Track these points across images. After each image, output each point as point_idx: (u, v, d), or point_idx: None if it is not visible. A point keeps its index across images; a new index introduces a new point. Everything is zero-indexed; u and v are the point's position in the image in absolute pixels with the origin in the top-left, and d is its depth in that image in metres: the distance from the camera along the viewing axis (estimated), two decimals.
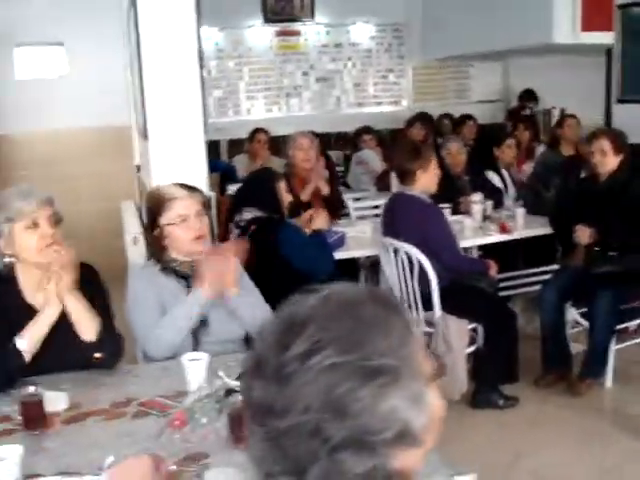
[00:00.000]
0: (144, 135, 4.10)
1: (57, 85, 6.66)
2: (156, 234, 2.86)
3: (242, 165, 6.98)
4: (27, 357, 2.47)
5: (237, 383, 2.35)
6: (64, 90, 6.62)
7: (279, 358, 0.97)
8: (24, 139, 6.58)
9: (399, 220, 4.33)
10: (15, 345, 2.46)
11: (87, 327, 2.56)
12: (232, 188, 5.55)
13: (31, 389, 2.21)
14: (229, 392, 2.29)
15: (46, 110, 6.55)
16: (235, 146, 7.93)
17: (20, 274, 2.63)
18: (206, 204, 2.99)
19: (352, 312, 0.99)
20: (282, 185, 3.99)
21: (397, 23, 8.97)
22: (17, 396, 2.36)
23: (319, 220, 4.23)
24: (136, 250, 4.40)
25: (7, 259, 2.59)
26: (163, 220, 2.84)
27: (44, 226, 2.56)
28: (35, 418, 2.19)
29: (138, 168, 5.69)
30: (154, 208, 2.89)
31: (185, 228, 2.82)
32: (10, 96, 6.47)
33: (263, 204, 3.91)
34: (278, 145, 7.26)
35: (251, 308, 2.83)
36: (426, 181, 4.31)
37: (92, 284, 2.70)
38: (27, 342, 2.47)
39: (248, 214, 3.88)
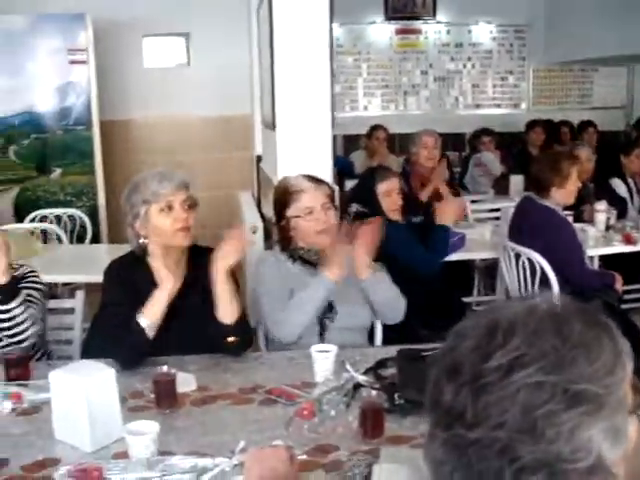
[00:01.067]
0: (271, 126, 4.13)
1: (182, 74, 6.82)
2: (283, 225, 2.89)
3: (359, 161, 6.98)
4: (149, 334, 2.53)
5: (365, 378, 2.35)
6: (189, 79, 6.77)
7: (478, 366, 0.92)
8: (148, 125, 6.76)
9: (525, 225, 4.24)
10: (138, 322, 2.52)
11: (229, 311, 2.59)
12: (350, 183, 5.54)
13: (164, 368, 2.25)
14: (357, 386, 2.28)
15: (170, 98, 6.71)
16: (350, 142, 7.93)
17: (152, 257, 2.68)
18: (332, 197, 2.99)
19: (559, 328, 0.94)
20: (386, 185, 3.95)
21: (519, 24, 8.79)
22: (146, 373, 2.43)
23: (447, 215, 4.14)
24: (255, 239, 4.45)
25: (142, 240, 2.66)
26: (290, 212, 2.87)
27: (178, 210, 2.61)
28: (167, 397, 2.23)
29: (259, 158, 5.75)
30: (281, 200, 2.92)
31: (311, 220, 2.84)
32: (138, 83, 6.66)
33: (364, 202, 3.92)
34: (394, 143, 7.23)
35: (383, 293, 2.84)
36: (560, 197, 4.18)
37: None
38: (147, 320, 2.53)
39: (353, 209, 3.90)
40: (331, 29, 3.97)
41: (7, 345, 2.61)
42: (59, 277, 4.22)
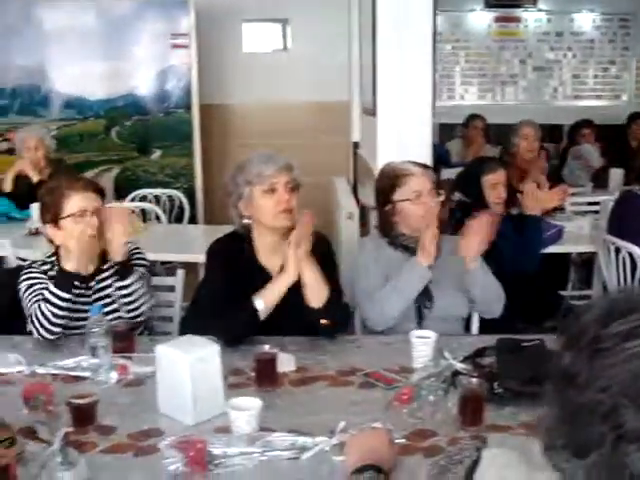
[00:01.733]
0: (372, 112, 4.13)
1: (280, 60, 6.86)
2: (387, 209, 2.89)
3: (455, 150, 6.91)
4: (261, 316, 2.57)
5: (463, 365, 2.33)
6: (287, 65, 6.81)
7: (597, 332, 0.97)
8: (245, 109, 6.83)
9: (626, 219, 4.11)
10: (253, 304, 2.56)
11: (317, 294, 2.61)
12: (446, 172, 5.49)
13: (266, 348, 2.29)
14: (455, 373, 2.27)
15: (268, 83, 6.77)
16: (446, 130, 7.85)
17: (256, 235, 2.73)
18: (436, 183, 2.97)
19: None
20: (493, 177, 3.89)
21: (624, 12, 8.51)
22: (247, 351, 2.48)
23: (536, 204, 4.02)
24: (351, 225, 4.47)
25: (245, 220, 2.71)
26: (396, 196, 2.87)
27: (281, 192, 2.64)
28: (268, 376, 2.27)
29: (356, 145, 5.76)
30: (388, 184, 2.92)
31: (419, 204, 2.84)
32: (237, 68, 6.74)
33: (468, 192, 3.87)
34: (489, 133, 7.12)
35: (485, 288, 2.83)
36: None
37: (324, 253, 2.75)
38: (263, 303, 2.56)
39: (456, 197, 3.86)
40: (434, 17, 3.95)
41: (117, 318, 2.70)
42: (158, 255, 4.30)
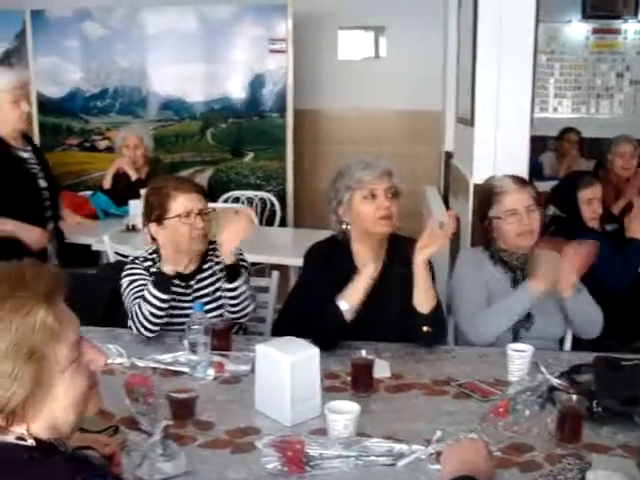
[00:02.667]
0: (468, 122, 4.10)
1: (374, 67, 6.87)
2: (485, 225, 2.89)
3: (548, 163, 6.80)
4: (347, 317, 2.59)
5: (559, 381, 2.31)
6: (380, 73, 6.80)
7: None
8: (338, 116, 6.86)
9: None
10: (337, 305, 2.58)
11: (427, 300, 2.62)
12: (539, 185, 5.39)
13: (363, 353, 2.31)
14: (552, 389, 2.24)
15: (361, 91, 6.78)
16: (537, 142, 7.71)
17: (354, 241, 2.75)
18: (538, 199, 2.93)
19: None
20: (589, 192, 3.81)
21: None
22: (342, 355, 2.51)
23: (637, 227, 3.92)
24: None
25: (344, 225, 2.73)
26: (492, 212, 2.86)
27: (381, 198, 2.66)
28: (363, 381, 2.28)
29: (448, 154, 5.73)
30: (484, 199, 2.93)
31: (513, 223, 2.81)
32: (332, 74, 6.78)
33: (563, 207, 3.80)
34: (583, 147, 6.98)
35: (584, 312, 2.79)
36: None
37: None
38: (347, 303, 2.58)
39: (550, 212, 3.80)
40: (537, 27, 3.90)
41: (216, 317, 2.76)
42: (248, 257, 4.38)
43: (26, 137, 4.14)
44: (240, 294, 2.79)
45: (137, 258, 2.90)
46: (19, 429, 1.24)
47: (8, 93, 3.82)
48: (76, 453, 1.39)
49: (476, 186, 3.72)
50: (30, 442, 1.24)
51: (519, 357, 2.37)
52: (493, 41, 3.76)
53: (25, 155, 4.00)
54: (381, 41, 6.95)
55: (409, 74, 6.71)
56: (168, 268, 2.73)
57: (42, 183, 4.02)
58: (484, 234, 2.93)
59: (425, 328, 2.61)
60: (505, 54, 3.73)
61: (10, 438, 1.24)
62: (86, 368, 1.32)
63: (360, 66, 6.89)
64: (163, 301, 2.68)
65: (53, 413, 1.27)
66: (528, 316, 2.78)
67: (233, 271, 2.78)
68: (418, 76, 6.64)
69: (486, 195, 2.93)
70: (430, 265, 2.68)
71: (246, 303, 2.82)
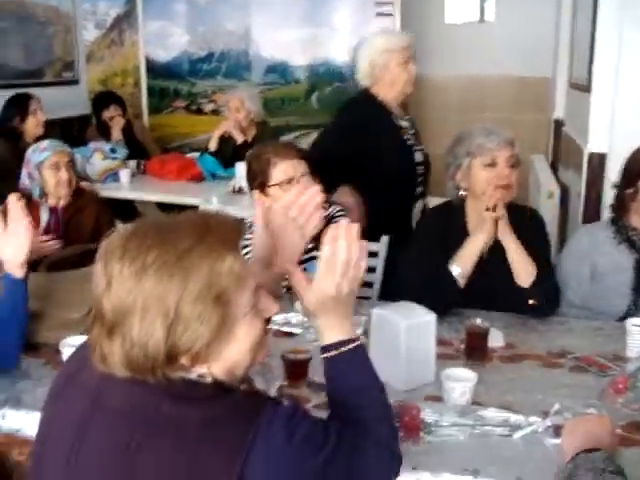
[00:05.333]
0: (584, 88, 3.97)
1: (482, 32, 6.71)
2: (628, 193, 2.69)
3: None
4: (461, 283, 2.56)
5: None
6: (488, 37, 6.64)
7: None
8: (444, 81, 6.75)
9: None
10: (449, 271, 2.55)
11: (522, 273, 2.58)
12: None
13: (478, 321, 2.28)
14: None
15: (467, 56, 6.64)
16: None
17: (469, 207, 2.71)
18: None
19: None
20: None
21: None
22: (454, 323, 2.48)
23: None
24: (551, 204, 4.35)
25: (461, 192, 2.68)
26: None
27: (501, 166, 2.60)
28: (478, 349, 2.26)
29: (558, 122, 5.58)
30: (635, 167, 2.70)
31: None
32: (438, 39, 6.66)
33: None
34: None
35: None
36: None
37: (536, 229, 2.70)
38: (459, 268, 2.55)
39: None
40: None
41: None
42: None
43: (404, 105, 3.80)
44: None
45: (244, 222, 2.91)
46: (200, 369, 1.30)
47: (397, 54, 3.55)
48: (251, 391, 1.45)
49: (592, 155, 3.62)
50: (209, 380, 1.31)
51: (639, 332, 2.30)
52: (615, 6, 3.61)
53: (404, 124, 3.64)
54: (489, 4, 6.78)
55: (518, 39, 6.52)
56: None
57: (418, 157, 3.60)
58: (621, 202, 2.73)
59: (530, 301, 2.56)
60: (628, 15, 3.58)
61: (193, 376, 1.30)
62: (261, 315, 1.38)
63: (467, 30, 6.74)
64: None
65: (232, 356, 1.32)
66: None
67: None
68: (527, 41, 6.45)
69: (637, 162, 2.71)
70: (540, 233, 2.63)
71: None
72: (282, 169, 2.75)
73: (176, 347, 1.25)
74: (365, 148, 3.37)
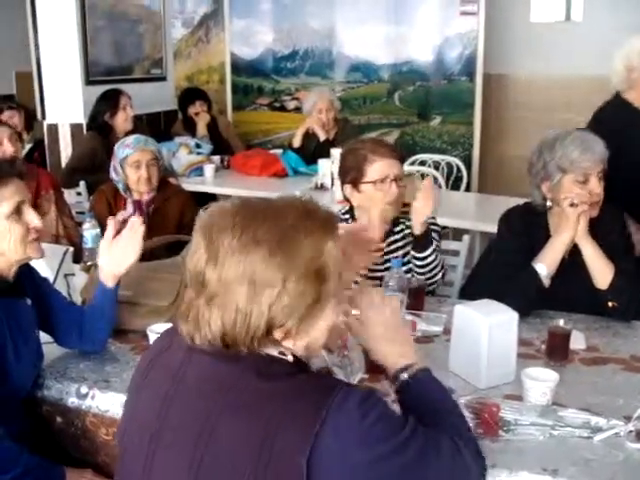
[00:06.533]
0: None
1: (568, 31, 6.60)
2: None
3: None
4: (545, 282, 2.55)
5: None
6: (573, 36, 6.53)
7: None
8: (528, 81, 6.65)
9: None
10: (535, 270, 2.54)
11: (600, 275, 2.55)
12: None
13: (561, 322, 2.26)
14: None
15: (553, 54, 6.53)
16: None
17: (554, 215, 2.67)
18: None
19: None
20: None
21: None
22: (535, 323, 2.50)
23: None
24: None
25: (548, 203, 2.65)
26: None
27: (594, 183, 2.56)
28: (560, 350, 2.24)
29: None
30: None
31: None
32: (523, 38, 6.57)
33: None
34: None
35: None
36: None
37: (616, 227, 2.67)
38: (545, 267, 2.54)
39: None
40: None
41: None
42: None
43: None
44: (429, 263, 2.80)
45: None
46: (288, 344, 1.38)
47: None
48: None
49: None
50: (290, 358, 1.38)
51: None
52: None
53: None
54: (576, 3, 6.66)
55: (605, 38, 6.38)
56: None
57: None
58: None
59: (610, 303, 2.53)
60: None
61: (274, 352, 1.38)
62: (341, 303, 1.48)
63: (552, 29, 6.64)
64: None
65: (316, 333, 1.41)
66: None
67: (423, 241, 2.77)
68: (614, 41, 6.31)
69: None
70: (621, 232, 2.59)
71: (434, 272, 2.82)
72: (378, 167, 2.75)
73: (275, 319, 1.33)
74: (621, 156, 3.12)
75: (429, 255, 2.78)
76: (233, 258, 1.32)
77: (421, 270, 2.80)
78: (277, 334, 1.35)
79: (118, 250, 2.22)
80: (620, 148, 2.99)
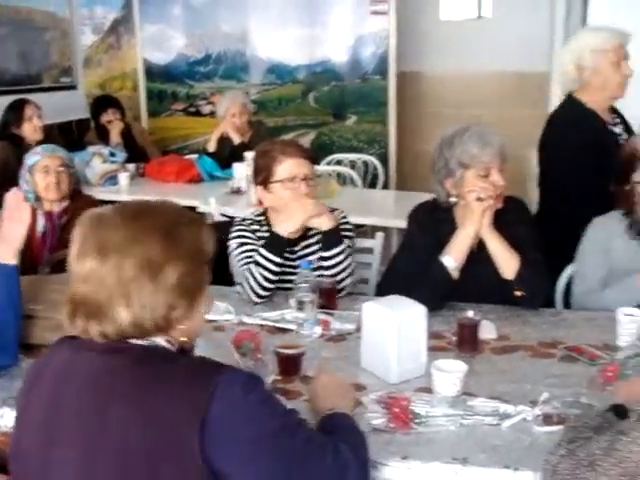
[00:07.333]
0: None
1: (477, 28, 6.72)
2: (627, 189, 2.70)
3: None
4: (454, 274, 2.59)
5: None
6: (484, 33, 6.65)
7: None
8: (441, 78, 6.75)
9: None
10: (441, 262, 2.58)
11: (506, 266, 2.60)
12: None
13: (470, 313, 2.30)
14: None
15: (464, 52, 6.64)
16: None
17: (459, 211, 2.71)
18: None
19: None
20: None
21: None
22: (447, 316, 2.53)
23: None
24: None
25: (452, 199, 2.69)
26: (636, 177, 2.67)
27: (495, 176, 2.60)
28: (469, 341, 2.28)
29: None
30: (627, 163, 2.72)
31: None
32: (433, 35, 6.67)
33: None
34: None
35: None
36: None
37: (519, 217, 2.72)
38: (452, 259, 2.58)
39: None
40: None
41: (320, 276, 2.77)
42: (351, 218, 4.40)
43: (612, 108, 3.44)
44: (336, 264, 2.76)
45: (244, 219, 2.93)
46: (174, 332, 1.50)
47: (609, 53, 3.22)
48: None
49: None
50: (175, 346, 1.51)
51: (630, 321, 2.32)
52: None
53: (617, 130, 3.36)
54: (482, 2, 6.79)
55: (514, 35, 6.53)
56: (281, 229, 2.74)
57: None
58: (624, 199, 2.73)
59: (518, 293, 2.58)
60: (619, 11, 3.60)
61: (162, 341, 1.48)
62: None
63: (463, 27, 6.75)
64: (277, 264, 2.70)
65: (196, 319, 1.54)
66: None
67: (329, 238, 2.77)
68: (524, 36, 6.47)
69: (630, 158, 2.71)
70: (523, 221, 2.67)
71: (342, 275, 2.77)
72: (286, 166, 2.76)
73: (172, 304, 1.45)
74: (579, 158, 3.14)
75: (336, 255, 2.76)
76: (123, 252, 1.42)
77: (327, 272, 2.74)
78: (173, 316, 1.46)
79: (6, 223, 2.24)
80: (577, 150, 3.10)
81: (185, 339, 1.52)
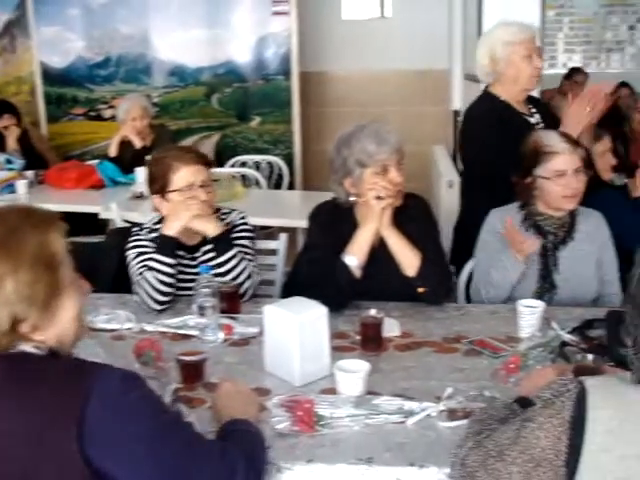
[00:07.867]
0: (476, 79, 4.03)
1: (379, 27, 6.78)
2: (527, 182, 2.75)
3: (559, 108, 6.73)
4: (357, 273, 2.58)
5: (570, 337, 2.29)
6: (385, 32, 6.72)
7: None
8: (344, 77, 6.79)
9: None
10: (343, 262, 2.57)
11: (407, 263, 2.60)
12: None
13: (372, 312, 2.29)
14: (563, 344, 2.23)
15: (366, 51, 6.70)
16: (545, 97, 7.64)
17: (359, 211, 2.70)
18: (585, 160, 2.78)
19: None
20: (600, 145, 3.73)
21: None
22: (351, 315, 2.51)
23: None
24: (451, 194, 4.41)
25: (352, 198, 2.67)
26: (538, 171, 2.71)
27: (393, 173, 2.60)
28: (373, 340, 2.27)
29: (456, 113, 5.67)
30: (530, 156, 2.75)
31: (560, 184, 2.69)
32: (336, 35, 6.69)
33: None
34: None
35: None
36: None
37: (420, 215, 2.73)
38: (354, 258, 2.57)
39: None
40: None
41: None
42: (257, 220, 4.35)
43: (531, 98, 3.48)
44: (231, 269, 2.68)
45: (142, 228, 2.84)
46: (39, 337, 1.44)
47: (519, 45, 3.24)
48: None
49: None
50: (44, 352, 1.45)
51: (530, 313, 2.35)
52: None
53: (532, 121, 3.37)
54: (384, 1, 6.85)
55: (414, 33, 6.63)
56: (170, 231, 2.66)
57: None
58: (524, 192, 2.79)
59: (420, 289, 2.59)
60: (512, 9, 3.66)
61: (29, 347, 1.43)
62: (81, 289, 1.54)
63: (365, 26, 6.81)
64: (170, 266, 2.63)
65: (63, 324, 1.47)
66: (551, 286, 2.75)
67: (218, 244, 2.70)
68: (424, 35, 6.56)
69: (533, 152, 2.75)
70: (425, 218, 2.70)
71: (240, 279, 2.69)
72: (183, 175, 2.67)
73: (18, 313, 1.39)
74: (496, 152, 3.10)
75: (228, 260, 2.69)
76: None
77: (224, 278, 2.67)
78: (24, 328, 1.41)
79: None
80: (494, 144, 3.08)
81: (56, 345, 1.47)
